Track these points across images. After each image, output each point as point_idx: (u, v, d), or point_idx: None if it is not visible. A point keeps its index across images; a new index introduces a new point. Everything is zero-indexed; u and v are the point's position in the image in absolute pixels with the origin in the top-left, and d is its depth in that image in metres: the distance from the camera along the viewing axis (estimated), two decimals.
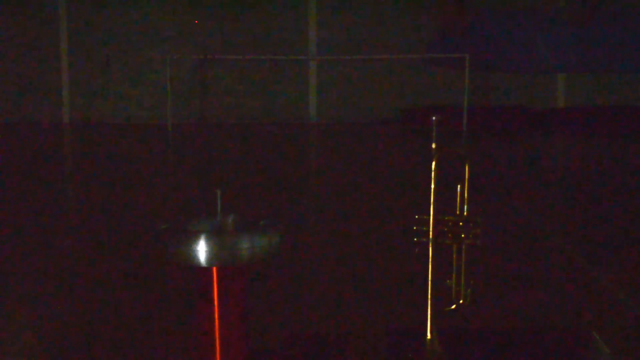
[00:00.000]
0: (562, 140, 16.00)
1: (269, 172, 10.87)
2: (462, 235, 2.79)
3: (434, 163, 2.78)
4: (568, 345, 3.03)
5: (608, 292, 5.04)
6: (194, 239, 2.68)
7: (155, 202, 8.51)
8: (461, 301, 2.84)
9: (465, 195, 2.81)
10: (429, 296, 2.81)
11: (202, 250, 2.67)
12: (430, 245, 2.81)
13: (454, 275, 2.83)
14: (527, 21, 18.84)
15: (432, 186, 2.79)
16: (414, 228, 2.82)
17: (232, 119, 18.91)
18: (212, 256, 2.68)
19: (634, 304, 4.77)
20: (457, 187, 2.83)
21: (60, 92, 19.23)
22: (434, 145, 2.78)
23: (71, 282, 5.39)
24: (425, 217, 2.81)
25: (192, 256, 2.68)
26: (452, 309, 2.84)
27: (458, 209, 2.83)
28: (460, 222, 2.80)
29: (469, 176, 2.80)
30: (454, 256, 2.84)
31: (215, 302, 2.79)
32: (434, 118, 2.77)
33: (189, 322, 3.97)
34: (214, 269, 2.78)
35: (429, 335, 2.80)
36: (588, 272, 5.54)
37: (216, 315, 2.79)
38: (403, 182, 9.80)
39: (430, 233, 2.80)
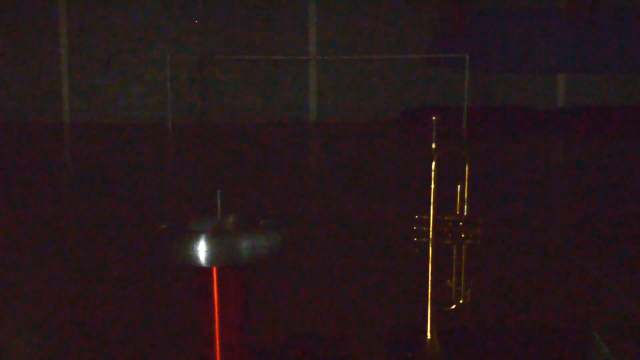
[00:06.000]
0: (562, 141, 15.99)
1: (269, 172, 10.86)
2: (462, 235, 2.79)
3: (434, 163, 2.78)
4: (568, 345, 3.03)
5: (608, 292, 5.04)
6: (194, 239, 2.68)
7: (155, 202, 8.51)
8: (461, 301, 2.84)
9: (465, 195, 2.81)
10: (429, 296, 2.82)
11: (202, 250, 2.67)
12: (430, 245, 2.81)
13: (454, 275, 2.83)
14: (527, 21, 18.83)
15: (432, 186, 2.80)
16: (414, 228, 2.82)
17: (232, 119, 18.90)
18: (212, 256, 2.68)
19: (634, 304, 4.76)
20: (457, 187, 2.83)
21: (60, 92, 19.22)
22: (434, 145, 2.79)
23: (70, 282, 5.38)
24: (425, 217, 2.81)
25: (192, 256, 2.68)
26: (452, 309, 2.84)
27: (458, 209, 2.83)
28: (460, 222, 2.80)
29: (469, 176, 2.80)
30: (454, 256, 2.84)
31: (215, 302, 2.79)
32: (434, 118, 2.77)
33: (189, 322, 3.97)
34: (214, 269, 2.78)
35: (429, 335, 2.80)
36: (588, 272, 5.54)
37: (216, 315, 2.80)
38: (403, 182, 9.80)
39: (430, 233, 2.80)
